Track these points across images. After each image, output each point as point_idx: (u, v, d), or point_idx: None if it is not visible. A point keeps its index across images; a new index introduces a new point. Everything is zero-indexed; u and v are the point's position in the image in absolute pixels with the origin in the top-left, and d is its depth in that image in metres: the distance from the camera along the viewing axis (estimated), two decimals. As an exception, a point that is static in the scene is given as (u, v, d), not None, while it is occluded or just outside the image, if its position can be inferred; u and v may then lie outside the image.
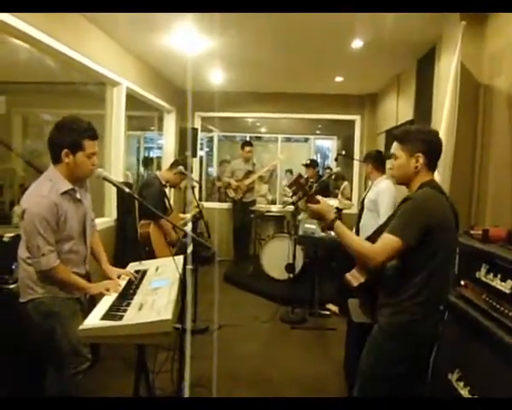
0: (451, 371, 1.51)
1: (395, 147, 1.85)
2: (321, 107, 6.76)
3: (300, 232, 4.46)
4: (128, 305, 1.85)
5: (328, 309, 4.57)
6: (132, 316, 1.71)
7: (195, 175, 7.01)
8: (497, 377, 1.30)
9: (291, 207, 5.13)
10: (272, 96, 6.72)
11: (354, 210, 5.49)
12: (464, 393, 1.43)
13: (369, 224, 3.39)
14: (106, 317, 1.74)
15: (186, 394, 1.97)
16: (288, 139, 10.17)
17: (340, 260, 4.63)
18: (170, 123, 6.58)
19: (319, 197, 1.83)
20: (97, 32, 3.93)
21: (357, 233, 3.52)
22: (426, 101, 4.06)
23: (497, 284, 1.40)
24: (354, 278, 1.84)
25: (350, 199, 6.29)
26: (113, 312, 1.78)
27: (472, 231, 1.71)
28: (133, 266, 2.43)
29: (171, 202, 4.98)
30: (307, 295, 4.55)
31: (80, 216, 2.13)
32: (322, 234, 4.30)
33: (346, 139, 8.48)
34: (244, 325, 4.15)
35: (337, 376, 3.15)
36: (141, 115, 7.13)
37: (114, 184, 2.27)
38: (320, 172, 6.52)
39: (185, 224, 4.04)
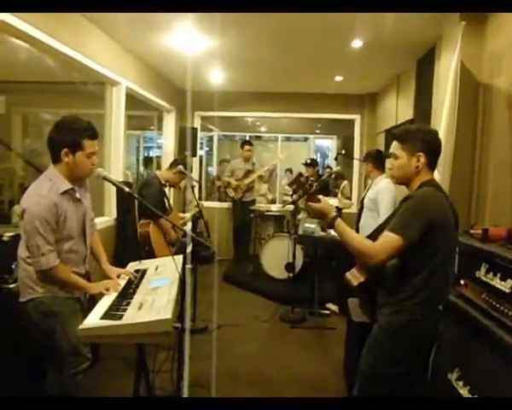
0: (451, 370, 1.51)
1: (395, 146, 1.84)
2: (321, 106, 6.76)
3: (300, 232, 4.46)
4: (128, 304, 1.84)
5: (327, 309, 4.57)
6: (132, 315, 1.71)
7: (195, 174, 7.01)
8: (496, 377, 1.31)
9: (291, 207, 5.13)
10: (272, 95, 6.72)
11: (354, 209, 5.49)
12: (464, 392, 1.43)
13: (368, 223, 3.39)
14: (106, 316, 1.74)
15: (185, 393, 1.97)
16: (288, 139, 10.17)
17: (340, 259, 4.64)
18: (169, 122, 6.58)
19: (320, 196, 1.83)
20: (97, 31, 3.93)
21: (357, 232, 3.51)
22: (426, 100, 4.06)
23: (497, 283, 1.40)
24: (354, 277, 1.84)
25: (350, 198, 6.29)
26: (113, 311, 1.78)
27: (472, 231, 1.71)
28: (133, 266, 2.43)
29: (171, 201, 4.98)
30: (307, 294, 4.56)
31: (80, 216, 2.12)
32: (322, 233, 4.30)
33: (346, 139, 8.48)
34: (244, 325, 4.16)
35: (337, 375, 3.15)
36: (140, 115, 7.13)
37: (114, 184, 2.27)
38: (320, 172, 6.52)
39: (185, 223, 4.03)
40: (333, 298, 4.60)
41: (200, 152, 7.49)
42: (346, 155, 6.34)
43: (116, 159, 4.57)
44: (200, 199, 6.10)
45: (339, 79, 5.73)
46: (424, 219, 1.64)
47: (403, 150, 1.80)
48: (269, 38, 4.14)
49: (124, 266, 2.42)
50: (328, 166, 9.00)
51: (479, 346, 1.42)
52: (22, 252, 2.02)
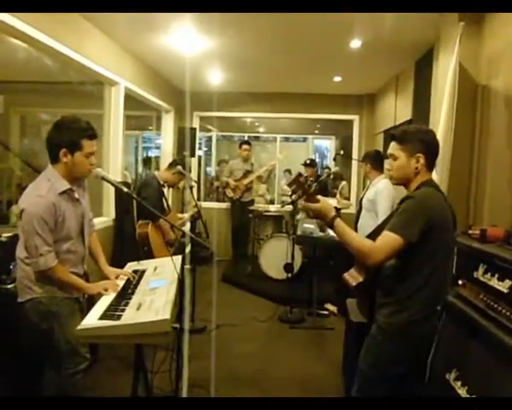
0: (449, 370, 1.52)
1: (393, 147, 1.84)
2: (319, 107, 6.77)
3: (299, 232, 4.46)
4: (126, 305, 1.85)
5: (326, 309, 4.58)
6: (130, 316, 1.71)
7: (194, 175, 7.00)
8: (494, 377, 1.31)
9: (289, 207, 5.13)
10: (271, 95, 6.73)
11: (352, 210, 5.51)
12: (462, 392, 1.43)
13: (367, 224, 3.39)
14: (104, 317, 1.74)
15: (184, 393, 1.97)
16: (287, 139, 10.18)
17: (339, 259, 4.65)
18: (168, 123, 6.57)
19: (319, 196, 1.83)
20: (96, 31, 3.93)
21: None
22: (424, 101, 4.07)
23: (495, 283, 1.40)
24: (352, 277, 1.84)
25: (348, 199, 6.30)
26: (112, 312, 1.78)
27: (470, 231, 1.72)
28: (131, 266, 2.44)
29: (170, 201, 4.98)
30: (306, 294, 4.56)
31: (78, 216, 2.12)
32: (321, 234, 4.30)
33: (345, 139, 8.49)
34: (242, 325, 4.15)
35: (335, 375, 3.16)
36: (139, 115, 7.13)
37: (113, 184, 2.28)
38: (318, 172, 6.53)
39: (183, 224, 4.04)
40: (331, 298, 4.61)
41: (198, 152, 7.49)
42: (344, 155, 6.36)
43: (114, 159, 4.56)
44: (198, 199, 6.10)
45: (337, 79, 5.74)
46: (424, 220, 1.64)
47: (402, 151, 1.80)
48: (268, 39, 4.15)
49: (122, 266, 2.42)
50: (327, 167, 9.01)
51: (477, 346, 1.43)
52: (20, 252, 2.01)
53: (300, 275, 5.14)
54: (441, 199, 1.76)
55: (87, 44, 3.75)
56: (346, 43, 4.11)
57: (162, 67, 5.42)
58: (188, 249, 2.15)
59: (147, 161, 8.65)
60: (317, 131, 9.95)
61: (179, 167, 3.93)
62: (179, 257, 2.14)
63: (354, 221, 3.74)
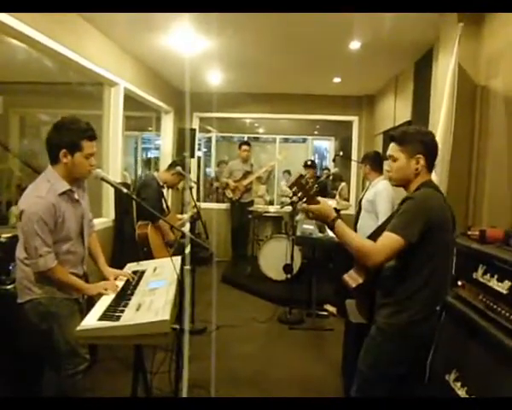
0: (449, 371, 1.52)
1: (393, 148, 1.84)
2: (319, 107, 6.77)
3: (298, 233, 4.46)
4: (126, 305, 1.85)
5: (325, 310, 4.58)
6: (130, 317, 1.71)
7: (193, 176, 7.00)
8: (494, 378, 1.31)
9: (289, 208, 5.13)
10: (270, 96, 6.73)
11: (352, 211, 5.51)
12: (462, 393, 1.43)
13: (366, 224, 3.39)
14: (103, 317, 1.74)
15: (184, 394, 1.97)
16: (286, 140, 10.18)
17: (338, 260, 4.65)
18: (168, 123, 6.57)
19: (319, 198, 1.83)
20: (95, 32, 3.93)
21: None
22: (423, 102, 4.07)
23: (494, 284, 1.40)
24: (352, 279, 1.84)
25: (347, 200, 6.30)
26: (111, 312, 1.78)
27: (469, 232, 1.71)
28: (131, 267, 2.43)
29: (169, 202, 4.98)
30: (305, 295, 4.56)
31: (78, 217, 2.12)
32: (320, 235, 4.30)
33: (344, 140, 8.49)
34: (242, 326, 4.15)
35: (335, 376, 3.16)
36: (139, 116, 7.13)
37: (112, 185, 2.28)
38: (318, 173, 6.54)
39: (183, 224, 4.04)
40: (331, 299, 4.61)
41: (198, 153, 7.49)
42: (344, 156, 6.37)
43: (114, 160, 4.56)
44: (198, 200, 6.10)
45: (337, 80, 5.75)
46: (424, 220, 1.65)
47: (401, 152, 1.80)
48: (267, 39, 4.15)
49: (122, 267, 2.43)
50: (326, 168, 9.02)
51: (476, 347, 1.43)
52: (20, 253, 2.01)
53: (300, 276, 5.14)
54: (441, 200, 1.76)
55: (86, 45, 3.75)
56: (345, 44, 4.12)
57: (162, 68, 5.42)
58: (187, 250, 2.15)
59: (147, 163, 8.64)
60: (316, 132, 9.95)
61: (179, 168, 3.93)
62: (179, 258, 2.14)
63: (353, 222, 3.75)
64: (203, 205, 6.45)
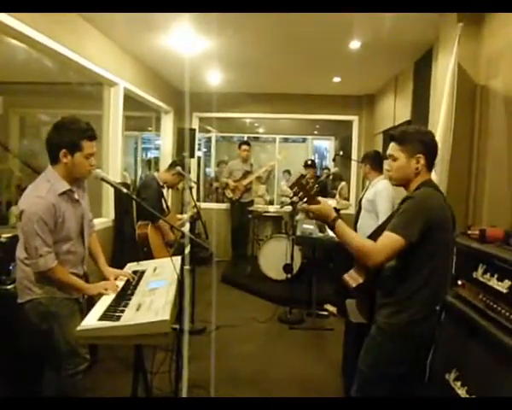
0: (449, 370, 1.52)
1: (393, 148, 1.84)
2: (319, 107, 6.77)
3: (298, 233, 4.46)
4: (126, 305, 1.85)
5: (326, 310, 4.58)
6: (130, 317, 1.71)
7: (193, 176, 7.00)
8: (494, 377, 1.31)
9: (289, 208, 5.14)
10: (270, 96, 6.73)
11: (352, 210, 5.51)
12: (462, 393, 1.43)
13: (366, 224, 3.39)
14: (104, 317, 1.74)
15: (184, 394, 1.97)
16: (286, 140, 10.18)
17: (338, 260, 4.65)
18: (167, 123, 6.57)
19: (319, 198, 1.83)
20: (95, 32, 3.93)
21: (355, 233, 3.52)
22: (423, 101, 4.07)
23: (494, 283, 1.40)
24: (352, 279, 1.84)
25: (347, 199, 6.30)
26: (111, 312, 1.78)
27: (469, 232, 1.72)
28: (131, 267, 2.44)
29: (169, 202, 4.98)
30: (305, 295, 4.56)
31: (78, 217, 2.12)
32: (320, 234, 4.30)
33: (344, 140, 8.50)
34: (242, 326, 4.15)
35: (335, 376, 3.16)
36: (138, 116, 7.13)
37: (112, 185, 2.28)
38: (318, 173, 6.54)
39: (183, 224, 4.04)
40: (331, 299, 4.61)
41: (198, 153, 7.49)
42: (343, 156, 6.36)
43: (114, 160, 4.56)
44: (198, 200, 6.10)
45: (337, 80, 5.74)
46: (424, 220, 1.65)
47: (401, 152, 1.80)
48: (267, 39, 4.15)
49: (122, 267, 2.43)
50: (326, 167, 9.03)
51: (476, 346, 1.43)
52: (20, 253, 2.01)
53: (300, 276, 5.14)
54: (441, 199, 1.76)
55: (86, 45, 3.75)
56: (345, 43, 4.12)
57: (161, 68, 5.42)
58: (187, 250, 2.15)
59: (147, 163, 8.64)
60: (316, 132, 9.96)
61: (178, 168, 3.93)
62: (179, 258, 2.14)
63: (353, 222, 3.75)
64: (203, 205, 6.45)
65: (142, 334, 1.66)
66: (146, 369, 2.26)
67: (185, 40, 4.14)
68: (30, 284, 1.99)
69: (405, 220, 1.67)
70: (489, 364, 1.36)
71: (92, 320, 1.72)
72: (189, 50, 4.42)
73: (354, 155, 6.83)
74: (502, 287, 1.37)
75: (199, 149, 8.13)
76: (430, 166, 1.82)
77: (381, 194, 3.38)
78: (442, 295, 1.67)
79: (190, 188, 4.22)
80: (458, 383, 1.47)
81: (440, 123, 2.86)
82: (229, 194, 6.35)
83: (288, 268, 4.93)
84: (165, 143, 6.60)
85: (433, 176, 2.06)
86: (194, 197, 4.23)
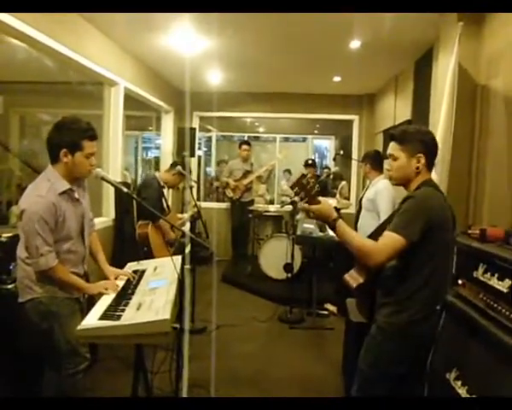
0: (449, 370, 1.52)
1: (393, 147, 1.84)
2: (319, 107, 6.77)
3: (299, 232, 4.46)
4: (126, 305, 1.85)
5: (326, 309, 4.58)
6: (130, 316, 1.71)
7: (193, 175, 7.01)
8: (494, 377, 1.31)
9: (289, 207, 5.14)
10: (270, 95, 6.73)
11: (352, 210, 5.51)
12: (462, 392, 1.43)
13: (367, 223, 3.39)
14: (104, 317, 1.74)
15: (184, 394, 1.97)
16: (287, 139, 10.19)
17: (338, 259, 4.65)
18: (168, 123, 6.57)
19: (319, 197, 1.83)
20: (95, 31, 3.93)
21: (355, 233, 3.52)
22: (423, 101, 4.07)
23: (495, 283, 1.40)
24: (353, 278, 1.84)
25: (348, 199, 6.30)
26: (112, 312, 1.79)
27: (470, 231, 1.72)
28: (131, 266, 2.44)
29: (170, 202, 4.99)
30: (305, 294, 4.56)
31: (78, 216, 2.12)
32: (321, 234, 4.31)
33: (344, 139, 8.50)
34: (242, 325, 4.16)
35: (335, 375, 3.16)
36: (139, 115, 7.13)
37: (112, 184, 2.28)
38: (318, 172, 6.54)
39: (183, 224, 4.04)
40: (331, 298, 4.61)
41: (198, 152, 7.50)
42: (344, 155, 6.36)
43: (114, 159, 4.56)
44: (198, 199, 6.10)
45: (337, 79, 5.74)
46: (425, 219, 1.65)
47: (402, 151, 1.80)
48: (267, 39, 4.15)
49: (122, 266, 2.43)
50: (327, 167, 9.03)
51: (476, 346, 1.43)
52: (21, 252, 2.01)
53: (300, 275, 5.14)
54: (441, 199, 1.76)
55: (86, 44, 3.75)
56: (345, 43, 4.12)
57: (162, 68, 5.42)
58: (188, 249, 2.15)
59: (148, 163, 8.64)
60: (316, 132, 9.96)
61: (179, 167, 3.94)
62: (179, 257, 2.14)
63: (354, 221, 3.75)
64: (203, 204, 6.45)
65: (143, 333, 1.66)
66: (146, 368, 2.26)
67: (185, 40, 4.14)
68: (31, 283, 1.99)
69: (406, 220, 1.67)
70: (489, 363, 1.36)
71: (92, 320, 1.72)
72: (190, 50, 4.42)
73: (354, 155, 6.83)
74: (502, 286, 1.37)
75: (199, 149, 8.14)
76: (430, 165, 1.82)
77: (382, 193, 3.38)
78: (442, 294, 1.68)
79: (191, 187, 4.22)
80: (459, 383, 1.47)
81: (441, 123, 2.86)
82: (229, 193, 6.35)
83: (288, 268, 4.93)
84: (165, 143, 6.60)
85: (434, 176, 2.06)
86: (195, 197, 4.23)
